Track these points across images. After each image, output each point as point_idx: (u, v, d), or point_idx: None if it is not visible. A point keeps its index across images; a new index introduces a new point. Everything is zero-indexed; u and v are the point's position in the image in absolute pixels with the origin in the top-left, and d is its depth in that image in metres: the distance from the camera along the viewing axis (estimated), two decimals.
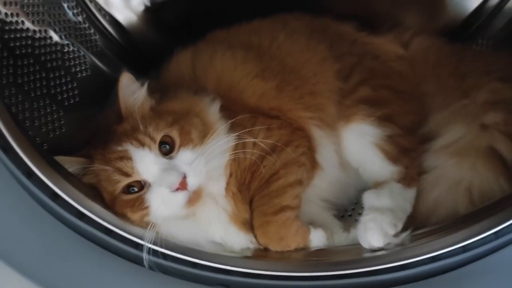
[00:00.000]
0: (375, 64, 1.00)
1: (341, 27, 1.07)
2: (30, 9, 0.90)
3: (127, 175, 0.72)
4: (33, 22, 0.90)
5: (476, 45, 1.14)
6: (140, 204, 0.73)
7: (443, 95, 0.95)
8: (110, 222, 0.69)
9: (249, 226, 0.82)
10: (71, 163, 0.74)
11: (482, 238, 0.67)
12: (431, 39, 1.06)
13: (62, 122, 0.89)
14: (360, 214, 0.94)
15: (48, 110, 0.87)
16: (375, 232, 0.77)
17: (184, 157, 0.74)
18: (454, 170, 0.84)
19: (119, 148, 0.73)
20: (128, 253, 0.69)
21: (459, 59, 0.99)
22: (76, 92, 0.96)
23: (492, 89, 0.89)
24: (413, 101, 0.96)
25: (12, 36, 0.84)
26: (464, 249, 0.67)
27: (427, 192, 0.85)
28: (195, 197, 0.73)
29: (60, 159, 0.73)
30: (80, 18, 1.07)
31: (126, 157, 0.72)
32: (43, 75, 0.88)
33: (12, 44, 0.83)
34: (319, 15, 1.08)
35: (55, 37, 0.96)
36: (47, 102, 0.87)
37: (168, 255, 0.71)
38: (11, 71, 0.80)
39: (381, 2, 1.20)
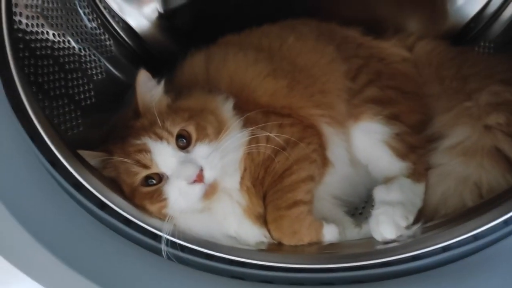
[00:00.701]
0: (381, 66, 1.02)
1: (347, 31, 1.09)
2: (50, 13, 0.93)
3: (145, 167, 0.74)
4: (52, 26, 0.93)
5: (478, 48, 1.17)
6: (158, 196, 0.74)
7: (446, 97, 0.97)
8: (130, 213, 0.71)
9: (263, 220, 0.83)
10: (92, 157, 0.76)
11: (492, 227, 0.68)
12: (434, 42, 1.09)
13: (80, 121, 0.91)
14: (370, 211, 0.97)
15: (67, 109, 0.89)
16: (387, 224, 0.78)
17: (201, 151, 0.76)
18: (461, 168, 0.85)
19: (138, 142, 0.75)
20: (146, 243, 0.71)
21: (462, 62, 1.02)
22: (92, 94, 0.99)
23: (493, 92, 0.91)
24: (419, 101, 0.98)
25: (33, 37, 0.86)
26: (475, 237, 0.69)
27: (435, 187, 0.87)
28: (211, 190, 0.75)
29: (82, 153, 0.74)
30: (95, 24, 1.10)
31: (145, 150, 0.74)
32: (62, 75, 0.91)
33: (33, 45, 0.86)
34: (325, 21, 1.11)
35: (72, 41, 0.99)
36: (66, 101, 0.89)
37: (185, 246, 0.73)
38: (32, 70, 0.83)
39: (385, 9, 1.23)
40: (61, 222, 0.64)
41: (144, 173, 0.75)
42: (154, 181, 0.75)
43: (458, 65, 1.01)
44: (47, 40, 0.91)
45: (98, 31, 1.11)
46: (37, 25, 0.88)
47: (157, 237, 0.71)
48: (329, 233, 0.84)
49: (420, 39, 1.09)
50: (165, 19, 1.22)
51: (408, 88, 1.00)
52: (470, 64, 1.01)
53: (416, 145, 0.92)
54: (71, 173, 0.66)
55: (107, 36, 1.14)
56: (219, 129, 0.80)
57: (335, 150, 0.92)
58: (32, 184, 0.62)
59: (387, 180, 0.89)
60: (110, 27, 1.15)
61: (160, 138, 0.75)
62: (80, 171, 0.68)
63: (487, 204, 0.76)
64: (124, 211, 0.70)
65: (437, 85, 1.01)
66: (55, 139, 0.66)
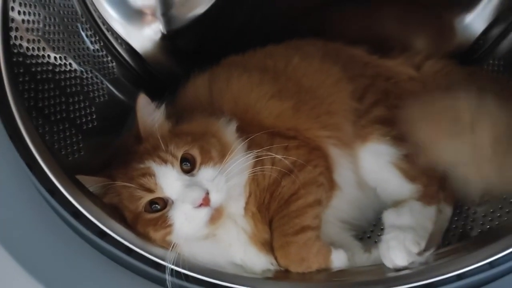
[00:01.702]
0: (387, 85, 1.01)
1: (353, 51, 1.08)
2: (51, 36, 0.92)
3: (150, 191, 0.72)
4: (53, 49, 0.92)
5: (487, 66, 1.15)
6: (163, 222, 0.73)
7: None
8: (131, 242, 0.68)
9: (269, 247, 0.80)
10: (92, 182, 0.74)
11: (509, 253, 0.65)
12: (442, 62, 1.07)
13: (81, 145, 0.89)
14: (379, 235, 0.93)
15: (68, 134, 0.87)
16: (398, 250, 0.76)
17: (206, 174, 0.74)
18: None
19: (142, 166, 0.73)
20: (148, 273, 0.68)
21: (470, 84, 0.99)
22: (94, 117, 0.97)
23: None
24: None
25: (34, 61, 0.85)
26: (491, 265, 0.66)
27: None
28: (217, 215, 0.73)
29: (82, 178, 0.73)
30: (97, 46, 1.09)
31: (149, 174, 0.72)
32: (63, 99, 0.90)
33: (33, 69, 0.84)
34: (330, 41, 1.10)
35: (74, 64, 0.97)
36: (67, 126, 0.88)
37: (189, 276, 0.70)
38: (32, 95, 0.82)
39: (390, 27, 1.22)
40: (58, 253, 0.62)
41: (148, 197, 0.73)
42: (159, 207, 0.73)
43: (467, 78, 1.00)
44: (48, 63, 0.90)
45: (100, 53, 1.10)
46: (38, 49, 0.87)
47: (159, 267, 0.69)
48: (338, 259, 0.82)
49: (428, 58, 1.08)
50: (168, 40, 1.22)
51: None
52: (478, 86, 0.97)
53: (426, 166, 0.89)
54: (69, 201, 0.64)
55: (109, 58, 1.13)
56: (223, 152, 0.78)
57: (342, 172, 0.90)
58: (27, 214, 0.61)
59: (397, 204, 0.87)
60: (112, 49, 1.14)
61: (165, 161, 0.73)
62: (79, 199, 0.66)
63: (503, 229, 0.73)
64: (125, 239, 0.68)
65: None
66: (53, 166, 0.64)
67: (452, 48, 1.18)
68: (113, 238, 0.67)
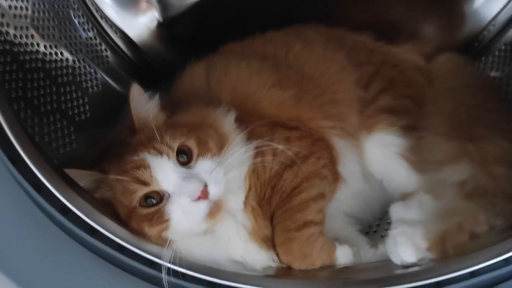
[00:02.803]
0: (394, 73, 0.97)
1: (357, 37, 1.05)
2: (41, 23, 0.88)
3: (145, 183, 0.69)
4: (43, 37, 0.88)
5: (498, 52, 1.10)
6: (159, 217, 0.69)
7: (447, 122, 0.88)
8: (124, 239, 0.64)
9: (271, 243, 0.77)
10: (83, 176, 0.71)
11: None
12: (463, 59, 1.03)
13: (73, 138, 0.86)
14: (386, 230, 0.91)
15: (59, 126, 0.84)
16: (406, 246, 0.72)
17: (204, 166, 0.71)
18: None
19: (136, 158, 0.70)
20: (143, 273, 0.64)
21: (484, 99, 0.93)
22: (87, 108, 0.94)
23: (500, 146, 0.82)
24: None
25: (22, 49, 0.82)
26: (507, 261, 0.62)
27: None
28: (215, 209, 0.70)
29: (71, 172, 0.69)
30: (90, 34, 1.05)
31: (144, 166, 0.69)
32: (54, 89, 0.86)
33: (21, 58, 0.81)
34: (333, 27, 1.06)
35: (65, 52, 0.94)
36: (57, 117, 0.84)
37: (186, 274, 0.66)
38: (20, 85, 0.78)
39: (396, 13, 1.18)
40: (44, 253, 0.58)
41: (143, 191, 0.70)
42: (154, 201, 0.70)
43: (480, 99, 0.92)
44: (37, 52, 0.86)
45: (93, 42, 1.06)
46: (27, 36, 0.84)
47: (155, 265, 0.65)
48: (343, 256, 0.79)
49: (441, 50, 1.04)
50: (165, 28, 1.18)
51: (420, 98, 0.94)
52: (491, 106, 0.92)
53: None
54: (56, 196, 0.60)
55: (103, 46, 1.09)
56: (221, 144, 0.75)
57: (347, 164, 0.87)
58: (8, 212, 0.57)
59: (405, 197, 0.83)
60: (106, 37, 1.10)
61: (160, 153, 0.70)
62: (67, 194, 0.62)
63: None
64: (117, 236, 0.64)
65: (443, 106, 0.92)
66: (38, 159, 0.60)
67: (461, 36, 1.13)
68: (104, 235, 0.63)
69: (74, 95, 0.92)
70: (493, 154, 0.80)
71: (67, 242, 0.60)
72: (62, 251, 0.60)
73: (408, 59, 1.01)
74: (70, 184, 0.65)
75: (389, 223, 0.89)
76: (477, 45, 1.13)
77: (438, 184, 0.79)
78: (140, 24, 1.16)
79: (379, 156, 0.87)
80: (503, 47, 1.09)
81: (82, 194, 0.66)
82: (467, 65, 1.02)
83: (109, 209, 0.71)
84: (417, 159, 0.84)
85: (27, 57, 0.83)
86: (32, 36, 0.85)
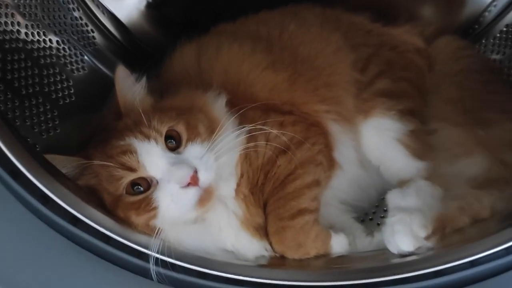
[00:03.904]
0: (392, 55, 0.94)
1: (354, 18, 1.01)
2: (22, 1, 0.84)
3: (131, 169, 0.66)
4: (24, 16, 0.84)
5: (500, 33, 1.07)
6: (146, 205, 0.67)
7: (453, 109, 0.88)
8: (109, 228, 0.62)
9: (263, 232, 0.75)
10: (65, 162, 0.67)
11: None
12: (463, 42, 1.00)
13: (57, 122, 0.83)
14: (382, 217, 0.90)
15: (41, 109, 0.80)
16: (404, 235, 0.70)
17: (193, 151, 0.69)
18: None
19: (122, 143, 0.67)
20: (130, 263, 0.62)
21: (487, 82, 0.92)
22: (72, 91, 0.90)
23: (509, 130, 0.82)
24: (425, 98, 0.91)
25: (1, 29, 0.77)
26: (508, 251, 0.60)
27: None
28: (206, 196, 0.67)
29: (53, 157, 0.66)
30: (76, 14, 1.01)
31: (130, 151, 0.66)
32: (36, 71, 0.82)
33: (1, 37, 0.77)
34: (329, 7, 1.02)
35: (49, 33, 0.89)
36: (40, 100, 0.81)
37: (175, 265, 0.64)
38: None
39: None
40: (22, 246, 0.55)
41: (129, 177, 0.67)
42: (142, 188, 0.68)
43: (483, 83, 0.91)
44: (18, 32, 0.82)
45: (79, 22, 1.02)
46: (6, 15, 0.79)
47: (142, 256, 0.62)
48: (338, 244, 0.77)
49: (442, 32, 1.01)
50: (154, 8, 1.15)
51: (419, 81, 0.92)
52: (492, 89, 0.91)
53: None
54: (35, 184, 0.57)
55: (90, 27, 1.05)
56: (212, 128, 0.73)
57: (343, 150, 0.85)
58: None
59: (402, 183, 0.81)
60: (93, 18, 1.06)
61: (148, 137, 0.67)
62: (47, 181, 0.59)
63: None
64: (101, 226, 0.61)
65: (447, 91, 0.91)
66: (14, 144, 0.57)
67: (461, 17, 1.10)
68: (87, 224, 0.60)
69: (58, 77, 0.88)
70: (503, 139, 0.79)
71: (47, 233, 0.56)
72: (43, 243, 0.56)
73: (407, 40, 0.98)
74: (50, 171, 0.62)
75: (385, 211, 0.88)
76: (477, 27, 1.10)
77: (451, 177, 0.78)
78: (128, 4, 1.12)
79: (376, 142, 0.85)
80: (504, 29, 1.06)
81: (63, 181, 0.63)
82: (467, 49, 1.00)
83: (94, 197, 0.68)
84: (427, 149, 0.82)
85: (7, 37, 0.79)
86: (13, 15, 0.81)
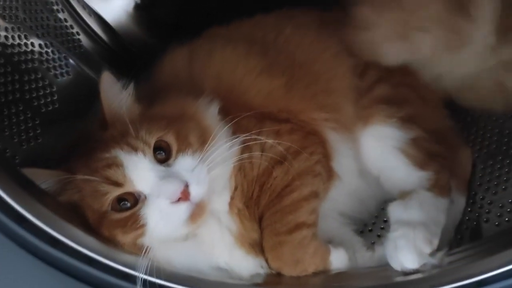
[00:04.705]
0: None
1: None
2: (1, 2, 0.81)
3: (117, 184, 0.63)
4: (4, 18, 0.80)
5: None
6: (133, 222, 0.63)
7: None
8: (92, 249, 0.58)
9: (259, 248, 0.72)
10: (45, 177, 0.63)
11: None
12: None
13: (38, 131, 0.79)
14: (382, 228, 0.88)
15: (22, 118, 0.77)
16: (407, 251, 0.67)
17: (184, 163, 0.65)
18: None
19: (107, 155, 0.64)
20: (115, 287, 0.58)
21: None
22: (55, 97, 0.86)
23: None
24: (435, 106, 0.88)
25: None
26: None
27: None
28: (198, 211, 0.64)
29: (32, 172, 0.62)
30: (61, 16, 0.98)
31: (116, 164, 0.63)
32: (16, 77, 0.79)
33: None
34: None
35: (31, 36, 0.85)
36: (21, 108, 0.77)
37: (164, 286, 0.60)
38: None
39: None
40: None
41: (115, 192, 0.63)
42: (128, 204, 0.64)
43: None
44: None
45: (64, 24, 0.98)
46: None
47: (128, 278, 0.59)
48: (337, 260, 0.74)
49: None
50: (143, 10, 1.13)
51: (422, 86, 0.89)
52: None
53: (436, 153, 0.81)
54: (8, 203, 0.52)
55: (75, 29, 1.01)
56: (204, 138, 0.69)
57: (342, 160, 0.81)
58: None
59: (404, 195, 0.77)
60: (79, 20, 1.03)
61: (135, 149, 0.64)
62: (22, 199, 0.55)
63: None
64: (83, 247, 0.57)
65: None
66: None
67: None
68: (68, 246, 0.56)
69: (41, 83, 0.84)
70: None
71: (22, 257, 0.52)
72: (17, 268, 0.52)
73: None
74: (26, 187, 0.58)
75: (385, 221, 0.87)
76: None
77: None
78: (116, 6, 1.10)
79: (376, 151, 0.82)
80: None
81: (41, 198, 0.59)
82: None
83: (76, 214, 0.64)
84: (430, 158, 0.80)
85: None
86: None
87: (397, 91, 0.85)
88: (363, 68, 0.87)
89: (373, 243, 0.82)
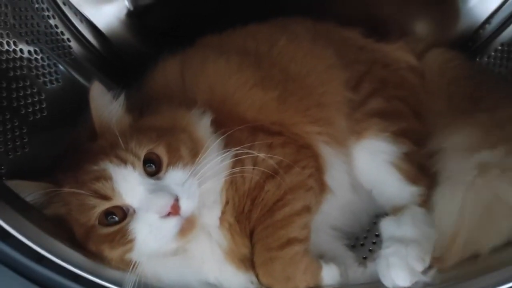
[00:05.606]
0: (385, 73, 0.91)
1: (346, 33, 0.98)
2: None
3: (105, 198, 0.61)
4: None
5: (495, 52, 1.05)
6: (122, 237, 0.62)
7: (451, 116, 0.85)
8: (77, 266, 0.56)
9: (249, 263, 0.71)
10: (30, 189, 0.62)
11: None
12: (449, 54, 0.98)
13: (26, 140, 0.77)
14: (374, 243, 0.86)
15: (8, 126, 0.74)
16: (399, 269, 0.66)
17: (175, 177, 0.64)
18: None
19: (95, 167, 0.62)
20: None
21: (478, 83, 0.91)
22: (44, 105, 0.84)
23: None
24: (421, 116, 0.88)
25: None
26: None
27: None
28: (188, 226, 0.63)
29: (16, 184, 0.61)
30: (52, 22, 0.95)
31: (104, 177, 0.61)
32: (3, 84, 0.76)
33: None
34: (320, 21, 0.98)
35: (21, 42, 0.83)
36: (8, 117, 0.75)
37: None
38: None
39: (387, 7, 1.11)
40: None
41: (103, 206, 0.62)
42: (117, 218, 0.63)
43: (474, 86, 0.90)
44: None
45: (55, 30, 0.96)
46: None
47: None
48: (329, 276, 0.72)
49: (433, 46, 0.98)
50: (136, 17, 1.10)
51: (413, 100, 0.89)
52: (485, 88, 0.90)
53: (428, 167, 0.79)
54: None
55: (66, 36, 0.99)
56: (195, 151, 0.68)
57: (335, 174, 0.81)
58: None
59: (397, 210, 0.78)
60: (70, 26, 1.00)
61: (124, 161, 0.63)
62: (5, 215, 0.53)
63: None
64: (69, 263, 0.56)
65: (444, 101, 0.90)
66: None
67: (454, 35, 1.08)
68: (53, 262, 0.54)
69: (29, 91, 0.82)
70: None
71: (6, 275, 0.50)
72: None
73: (400, 58, 0.95)
74: (9, 201, 0.56)
75: (377, 236, 0.86)
76: (471, 44, 1.07)
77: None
78: (108, 13, 1.07)
79: (369, 165, 0.82)
80: (499, 47, 1.04)
81: (26, 212, 0.57)
82: (454, 60, 0.97)
83: (62, 229, 0.63)
84: (422, 173, 0.79)
85: None
86: None
87: (390, 105, 0.85)
88: (357, 82, 0.87)
89: (365, 258, 0.82)
